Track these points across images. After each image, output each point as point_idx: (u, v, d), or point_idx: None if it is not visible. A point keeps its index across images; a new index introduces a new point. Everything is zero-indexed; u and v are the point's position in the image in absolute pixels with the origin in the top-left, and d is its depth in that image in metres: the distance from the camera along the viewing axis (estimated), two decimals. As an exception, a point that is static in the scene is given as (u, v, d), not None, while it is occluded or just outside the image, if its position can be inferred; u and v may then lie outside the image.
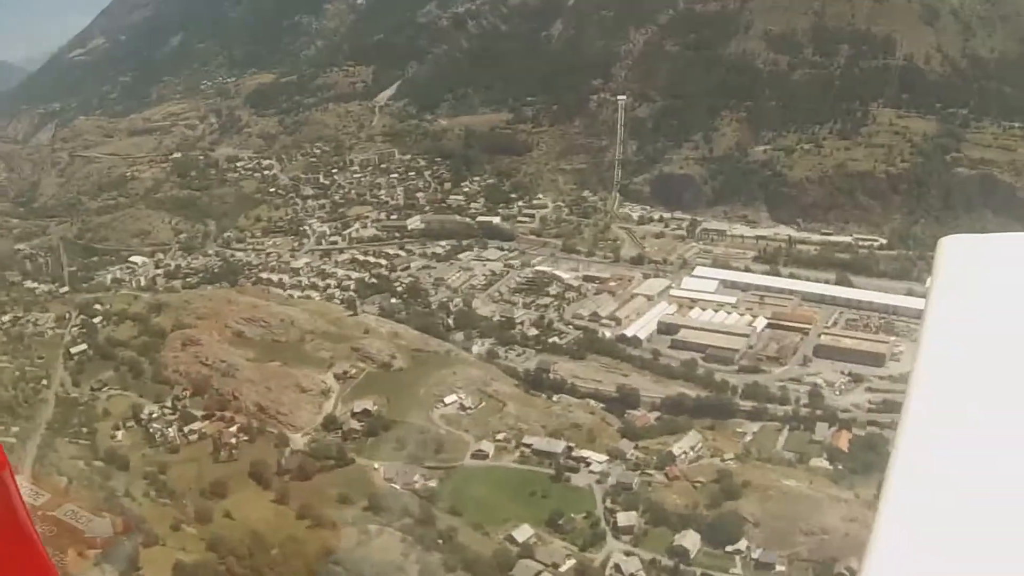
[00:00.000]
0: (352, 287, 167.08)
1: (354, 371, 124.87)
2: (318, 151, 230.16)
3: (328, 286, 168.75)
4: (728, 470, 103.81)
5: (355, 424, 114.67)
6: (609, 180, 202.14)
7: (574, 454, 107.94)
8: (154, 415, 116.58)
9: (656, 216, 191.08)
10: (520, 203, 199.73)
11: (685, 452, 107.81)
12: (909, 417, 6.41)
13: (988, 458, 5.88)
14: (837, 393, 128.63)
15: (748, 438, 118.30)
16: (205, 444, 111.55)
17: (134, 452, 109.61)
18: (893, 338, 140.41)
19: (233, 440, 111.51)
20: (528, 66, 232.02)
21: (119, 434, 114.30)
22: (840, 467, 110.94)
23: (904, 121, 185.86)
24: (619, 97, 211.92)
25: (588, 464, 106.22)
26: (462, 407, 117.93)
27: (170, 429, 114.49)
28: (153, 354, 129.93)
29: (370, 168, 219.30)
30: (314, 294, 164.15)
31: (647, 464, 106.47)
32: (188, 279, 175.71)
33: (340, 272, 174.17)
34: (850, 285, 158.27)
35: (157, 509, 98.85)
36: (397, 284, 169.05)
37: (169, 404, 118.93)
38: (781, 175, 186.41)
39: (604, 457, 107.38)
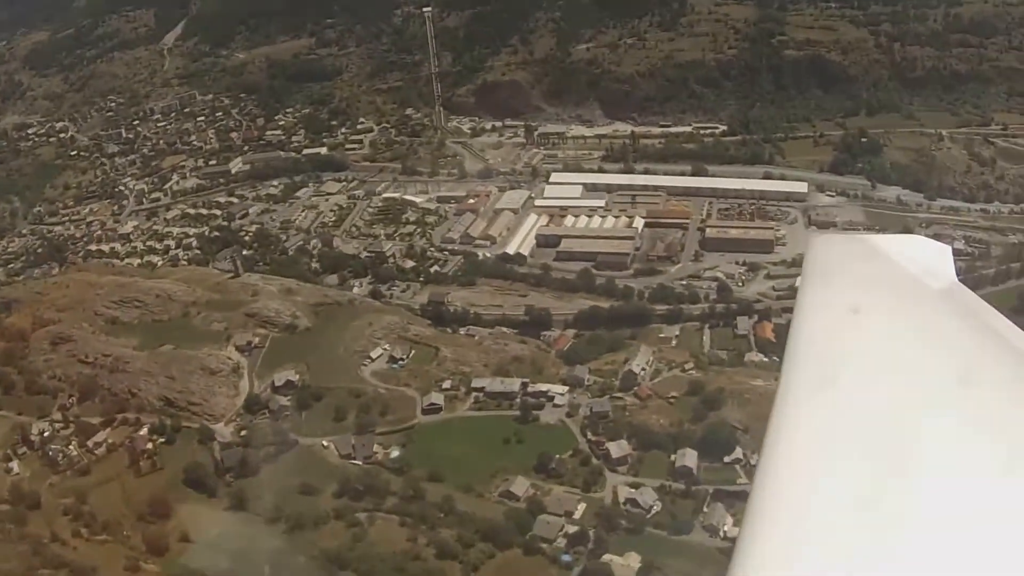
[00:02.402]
0: (195, 244, 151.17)
1: (257, 340, 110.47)
2: (112, 104, 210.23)
3: (168, 248, 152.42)
4: (696, 380, 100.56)
5: (282, 400, 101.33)
6: (430, 95, 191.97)
7: (531, 390, 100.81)
8: (46, 433, 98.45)
9: (488, 126, 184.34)
10: (343, 130, 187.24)
11: (644, 369, 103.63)
12: (782, 395, 7.22)
13: (851, 431, 6.61)
14: (740, 285, 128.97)
15: (673, 343, 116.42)
16: (118, 457, 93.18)
17: (39, 483, 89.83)
18: (772, 223, 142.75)
19: (149, 445, 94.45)
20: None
21: (14, 465, 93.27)
22: (773, 357, 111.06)
23: (723, 8, 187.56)
24: (424, 9, 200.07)
25: (551, 398, 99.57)
26: (392, 359, 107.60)
27: (71, 447, 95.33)
28: (19, 361, 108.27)
29: (173, 114, 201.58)
30: (155, 259, 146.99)
31: (611, 388, 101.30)
32: (10, 265, 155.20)
33: (175, 231, 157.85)
34: (706, 174, 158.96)
35: (98, 550, 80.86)
36: (243, 234, 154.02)
37: (58, 417, 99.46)
38: (609, 72, 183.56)
39: (563, 388, 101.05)
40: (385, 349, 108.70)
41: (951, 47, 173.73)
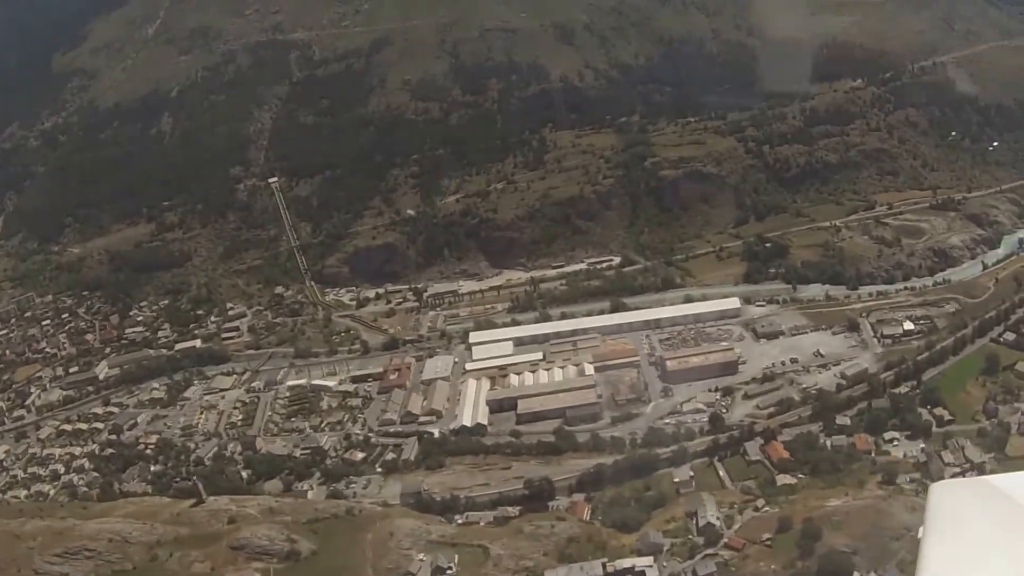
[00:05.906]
0: (88, 466, 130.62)
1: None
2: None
3: (56, 473, 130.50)
4: (777, 516, 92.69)
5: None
6: (296, 270, 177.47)
7: (614, 569, 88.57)
8: None
9: (371, 295, 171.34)
10: (213, 318, 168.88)
11: (718, 518, 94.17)
12: None
13: None
14: (724, 411, 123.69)
15: (692, 485, 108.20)
16: None
17: None
18: (723, 344, 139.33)
19: None
20: (149, 169, 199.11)
21: None
22: (799, 475, 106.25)
23: (585, 140, 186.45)
24: (270, 180, 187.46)
25: (640, 573, 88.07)
26: (439, 570, 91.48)
27: None
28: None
29: (13, 320, 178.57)
30: (44, 487, 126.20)
31: (695, 546, 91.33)
32: None
33: (58, 452, 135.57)
34: (626, 308, 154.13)
35: None
36: (141, 447, 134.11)
37: None
38: (487, 220, 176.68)
39: (647, 559, 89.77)
40: (421, 560, 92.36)
41: (816, 140, 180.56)
